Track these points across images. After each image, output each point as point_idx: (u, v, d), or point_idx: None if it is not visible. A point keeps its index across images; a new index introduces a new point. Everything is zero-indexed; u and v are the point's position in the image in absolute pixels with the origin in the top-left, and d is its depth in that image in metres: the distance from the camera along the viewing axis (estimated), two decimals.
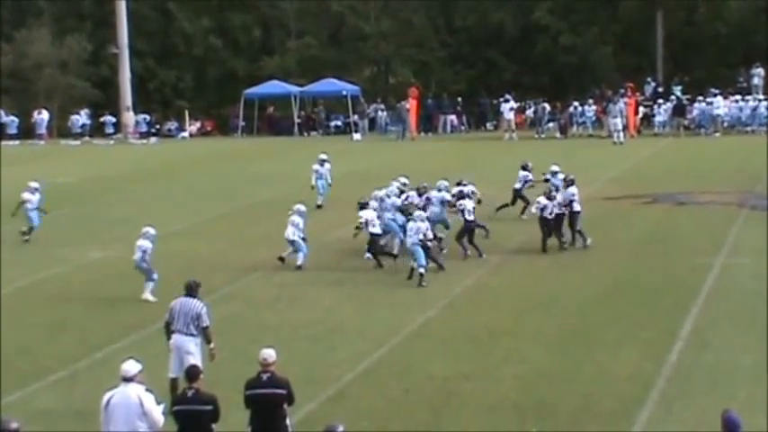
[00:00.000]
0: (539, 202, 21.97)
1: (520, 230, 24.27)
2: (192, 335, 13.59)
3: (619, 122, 42.72)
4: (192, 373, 11.02)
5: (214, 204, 28.28)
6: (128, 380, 10.80)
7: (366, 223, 21.09)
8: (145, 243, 19.18)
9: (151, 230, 19.45)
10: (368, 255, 21.05)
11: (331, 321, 17.50)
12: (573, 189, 22.31)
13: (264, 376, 11.15)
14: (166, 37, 60.04)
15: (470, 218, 21.63)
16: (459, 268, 20.85)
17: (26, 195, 24.28)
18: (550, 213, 21.81)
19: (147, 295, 18.99)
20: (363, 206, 21.57)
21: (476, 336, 16.37)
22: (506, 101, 47.17)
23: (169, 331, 13.80)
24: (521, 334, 16.43)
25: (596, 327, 16.71)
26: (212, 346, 13.67)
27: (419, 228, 19.72)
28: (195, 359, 13.29)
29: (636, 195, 28.13)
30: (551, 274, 20.21)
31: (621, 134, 42.41)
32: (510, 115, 46.72)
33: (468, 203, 21.84)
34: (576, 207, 22.17)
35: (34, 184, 24.53)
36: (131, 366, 10.93)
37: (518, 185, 25.49)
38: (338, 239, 23.57)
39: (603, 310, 17.71)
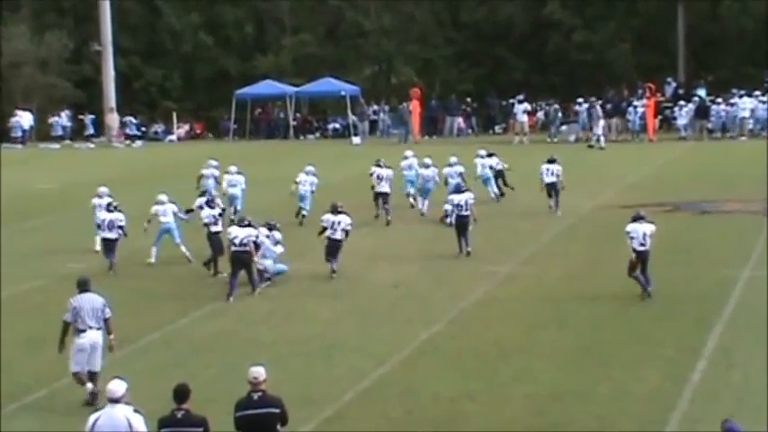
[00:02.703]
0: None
1: (531, 240, 24.34)
2: (99, 328, 14.86)
3: (600, 129, 43.25)
4: (182, 393, 11.02)
5: (202, 212, 28.30)
6: (114, 401, 10.82)
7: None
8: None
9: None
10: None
11: (329, 337, 17.53)
12: (335, 216, 21.61)
13: (255, 396, 11.17)
14: (153, 33, 60.17)
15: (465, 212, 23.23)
16: (465, 280, 20.89)
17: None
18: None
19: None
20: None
21: (484, 353, 16.40)
22: (520, 102, 47.25)
23: (67, 330, 14.86)
24: (532, 351, 16.46)
25: (613, 343, 16.72)
26: (112, 336, 15.02)
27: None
28: (100, 349, 14.83)
29: (656, 203, 28.10)
30: (564, 286, 20.24)
31: (602, 139, 42.85)
32: (524, 117, 46.81)
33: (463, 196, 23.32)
34: (337, 235, 21.47)
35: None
36: (118, 386, 10.96)
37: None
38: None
39: (620, 325, 17.73)
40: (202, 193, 25.33)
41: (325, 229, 21.55)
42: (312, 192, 27.92)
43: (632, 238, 19.11)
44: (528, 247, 23.72)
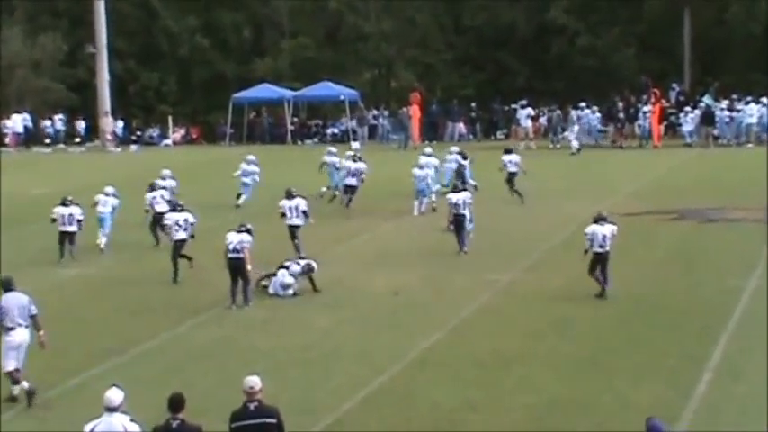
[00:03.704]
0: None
1: (532, 248, 24.39)
2: (28, 326, 15.33)
3: (573, 134, 43.88)
4: (177, 402, 11.07)
5: (200, 218, 28.40)
6: (112, 410, 10.90)
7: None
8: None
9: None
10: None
11: (327, 345, 17.58)
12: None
13: (251, 406, 11.22)
14: (149, 36, 60.25)
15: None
16: (465, 288, 20.95)
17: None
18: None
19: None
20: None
21: (484, 362, 16.44)
22: (524, 107, 47.36)
23: None
24: (533, 360, 16.50)
25: (615, 353, 16.76)
26: (42, 332, 15.41)
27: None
28: (25, 347, 15.26)
29: (660, 211, 28.21)
30: (566, 294, 20.27)
31: (576, 143, 43.42)
32: (527, 123, 46.97)
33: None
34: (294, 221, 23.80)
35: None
36: (115, 395, 11.04)
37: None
38: (335, 256, 23.69)
39: (623, 334, 17.77)
40: (151, 188, 26.61)
41: (284, 215, 23.52)
42: (336, 169, 31.51)
43: (590, 240, 19.83)
44: (529, 255, 23.77)
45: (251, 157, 31.86)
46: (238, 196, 31.00)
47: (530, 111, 47.47)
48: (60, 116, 55.14)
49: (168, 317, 19.59)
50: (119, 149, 52.03)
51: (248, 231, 20.42)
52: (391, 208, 30.01)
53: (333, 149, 33.56)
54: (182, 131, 57.30)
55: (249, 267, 20.17)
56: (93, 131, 55.19)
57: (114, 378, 13.75)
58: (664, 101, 47.78)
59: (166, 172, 28.50)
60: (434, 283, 21.42)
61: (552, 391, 15.03)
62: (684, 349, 16.77)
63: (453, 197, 24.18)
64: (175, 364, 16.86)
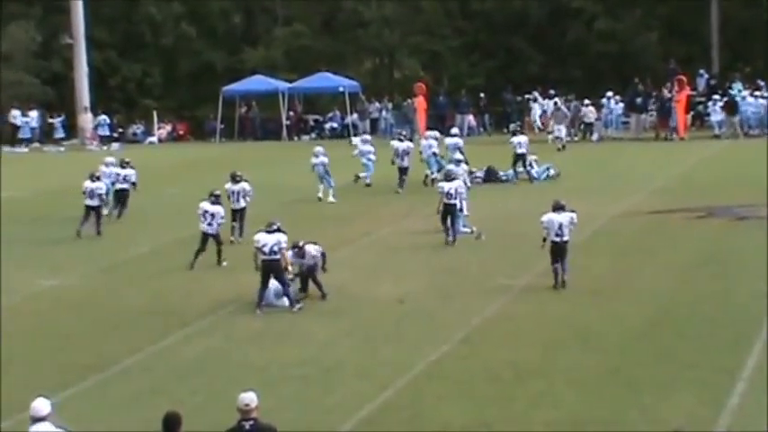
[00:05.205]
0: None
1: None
2: None
3: (563, 129, 43.90)
4: (173, 421, 11.09)
5: (187, 222, 28.38)
6: (38, 420, 11.04)
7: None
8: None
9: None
10: None
11: (327, 359, 17.53)
12: None
13: (247, 425, 11.20)
14: (130, 25, 60.31)
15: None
16: (476, 295, 20.89)
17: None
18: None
19: None
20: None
21: (498, 375, 16.40)
22: (551, 98, 47.46)
23: None
24: (552, 373, 16.45)
25: (641, 365, 16.72)
26: None
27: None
28: None
29: (687, 209, 28.16)
30: (587, 301, 20.25)
31: (563, 140, 43.54)
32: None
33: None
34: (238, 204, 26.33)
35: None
36: (42, 404, 11.42)
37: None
38: (335, 262, 23.62)
39: (650, 345, 17.73)
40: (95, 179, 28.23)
41: (228, 197, 25.61)
42: (434, 154, 33.52)
43: (546, 229, 20.75)
44: (546, 257, 23.65)
45: (366, 137, 36.51)
46: (356, 178, 33.67)
47: (557, 101, 47.44)
48: (36, 112, 55.06)
49: (153, 329, 19.52)
50: (99, 148, 52.01)
51: (279, 230, 20.47)
52: (395, 208, 29.96)
53: (435, 133, 36.31)
54: (167, 128, 57.32)
55: (290, 269, 20.53)
56: (71, 129, 55.14)
57: (92, 398, 13.74)
58: (689, 88, 47.69)
59: (110, 159, 30.84)
60: (442, 289, 21.36)
61: (574, 407, 14.99)
62: (716, 360, 16.73)
63: (445, 186, 24.78)
64: (161, 381, 16.80)
